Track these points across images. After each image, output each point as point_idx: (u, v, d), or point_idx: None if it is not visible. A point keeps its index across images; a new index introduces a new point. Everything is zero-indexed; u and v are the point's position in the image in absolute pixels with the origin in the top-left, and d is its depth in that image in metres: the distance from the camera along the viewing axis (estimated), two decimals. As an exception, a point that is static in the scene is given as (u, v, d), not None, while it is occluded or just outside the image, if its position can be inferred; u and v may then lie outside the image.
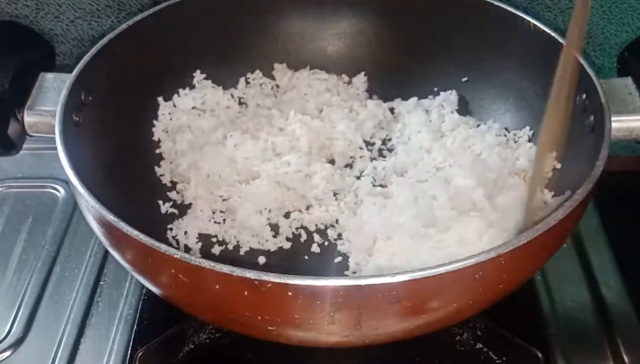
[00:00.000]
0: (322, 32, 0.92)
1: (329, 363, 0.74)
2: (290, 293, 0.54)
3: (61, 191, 0.91)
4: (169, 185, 0.82)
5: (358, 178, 0.82)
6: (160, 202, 0.80)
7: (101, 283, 0.81)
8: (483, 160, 0.79)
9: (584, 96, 0.73)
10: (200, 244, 0.76)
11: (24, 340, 0.75)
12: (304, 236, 0.78)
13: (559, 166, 0.75)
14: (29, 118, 0.73)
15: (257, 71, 0.91)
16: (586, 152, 0.68)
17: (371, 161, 0.84)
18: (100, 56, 0.76)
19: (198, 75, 0.88)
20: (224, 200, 0.80)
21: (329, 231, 0.77)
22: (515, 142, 0.83)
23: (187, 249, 0.76)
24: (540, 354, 0.72)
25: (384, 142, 0.87)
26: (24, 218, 0.88)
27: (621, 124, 0.71)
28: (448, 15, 0.86)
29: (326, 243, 0.77)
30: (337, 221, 0.78)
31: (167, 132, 0.84)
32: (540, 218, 0.60)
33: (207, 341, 0.74)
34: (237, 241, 0.77)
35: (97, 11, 0.91)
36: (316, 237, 0.77)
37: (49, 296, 0.80)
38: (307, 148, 0.82)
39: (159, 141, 0.84)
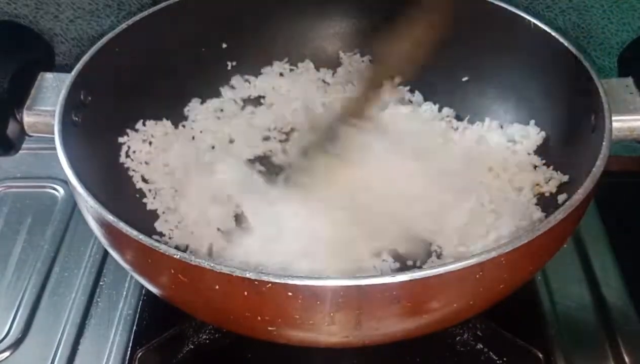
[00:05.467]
0: (322, 32, 0.92)
1: (329, 364, 0.74)
2: (290, 293, 0.54)
3: (60, 192, 0.91)
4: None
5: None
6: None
7: (100, 283, 0.81)
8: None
9: (585, 96, 0.73)
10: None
11: (23, 341, 0.75)
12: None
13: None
14: (28, 118, 0.73)
15: (257, 71, 0.91)
16: (587, 151, 0.68)
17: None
18: (99, 56, 0.76)
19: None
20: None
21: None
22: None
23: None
24: (540, 355, 0.72)
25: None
26: (23, 218, 0.88)
27: (622, 124, 0.71)
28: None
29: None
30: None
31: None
32: None
33: (207, 341, 0.74)
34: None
35: (96, 11, 0.91)
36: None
37: (48, 297, 0.79)
38: None
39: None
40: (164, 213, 0.78)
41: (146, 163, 0.82)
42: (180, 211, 0.78)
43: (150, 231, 0.76)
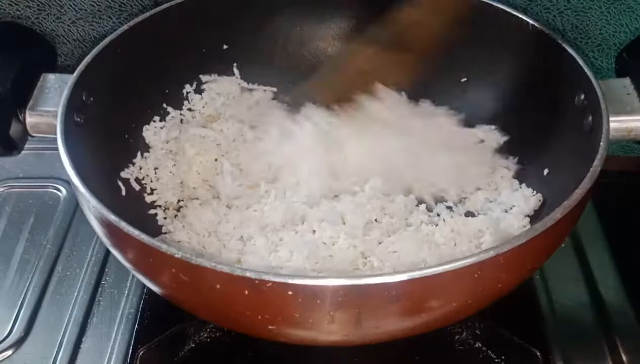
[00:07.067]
0: (322, 32, 0.93)
1: (329, 363, 0.74)
2: (290, 293, 0.55)
3: (63, 191, 0.91)
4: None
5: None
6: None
7: (102, 282, 0.81)
8: None
9: (583, 96, 0.73)
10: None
11: (26, 339, 0.76)
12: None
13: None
14: (30, 118, 0.74)
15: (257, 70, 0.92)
16: (584, 152, 0.68)
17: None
18: (101, 57, 0.76)
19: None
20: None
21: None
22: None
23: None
24: (538, 353, 0.73)
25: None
26: (25, 218, 0.88)
27: (619, 124, 0.71)
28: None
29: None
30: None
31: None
32: None
33: (208, 340, 0.75)
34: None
35: (98, 12, 0.92)
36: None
37: (51, 296, 0.80)
38: None
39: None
40: (165, 210, 0.79)
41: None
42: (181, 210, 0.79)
43: (151, 231, 0.76)
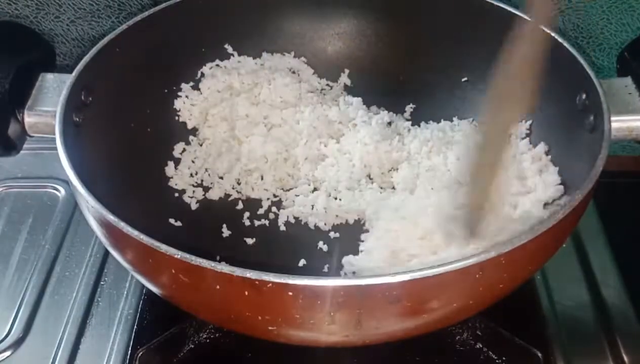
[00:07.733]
0: (322, 32, 0.93)
1: (329, 363, 0.74)
2: (290, 293, 0.54)
3: (61, 191, 0.91)
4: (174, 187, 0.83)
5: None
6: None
7: (101, 283, 0.81)
8: None
9: (584, 96, 0.73)
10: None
11: (24, 340, 0.76)
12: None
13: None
14: (29, 118, 0.73)
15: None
16: (586, 151, 0.68)
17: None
18: (100, 56, 0.76)
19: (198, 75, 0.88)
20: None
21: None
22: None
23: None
24: (540, 354, 0.73)
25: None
26: (24, 218, 0.88)
27: (621, 124, 0.71)
28: (448, 15, 0.86)
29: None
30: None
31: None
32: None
33: (207, 340, 0.75)
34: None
35: (97, 11, 0.92)
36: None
37: (49, 296, 0.80)
38: None
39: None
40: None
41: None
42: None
43: (151, 230, 0.76)
